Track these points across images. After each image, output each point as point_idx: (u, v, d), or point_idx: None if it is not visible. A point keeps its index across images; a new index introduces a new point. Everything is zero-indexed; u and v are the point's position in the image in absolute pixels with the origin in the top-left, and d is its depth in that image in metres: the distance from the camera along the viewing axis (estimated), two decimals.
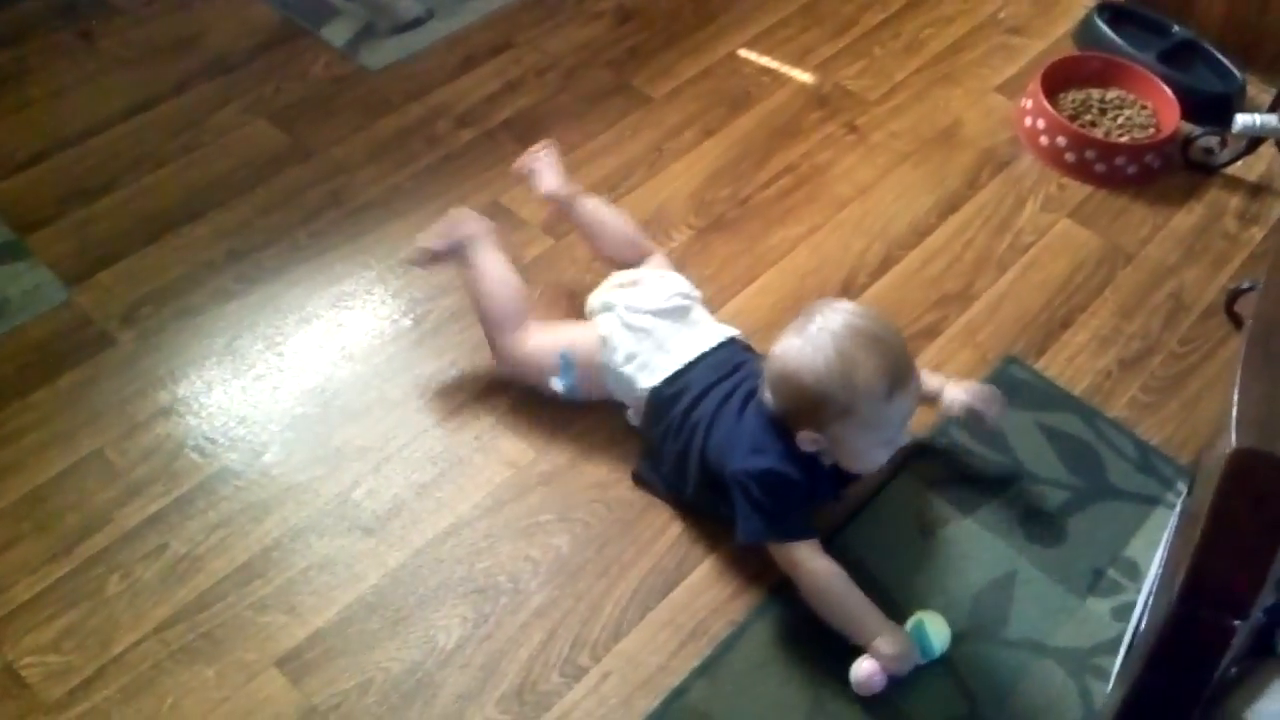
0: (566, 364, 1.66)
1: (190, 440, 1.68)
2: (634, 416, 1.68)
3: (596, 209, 1.84)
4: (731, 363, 1.62)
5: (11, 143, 2.09)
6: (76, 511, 1.59)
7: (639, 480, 1.66)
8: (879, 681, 1.44)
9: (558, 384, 1.67)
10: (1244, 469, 0.82)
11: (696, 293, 1.73)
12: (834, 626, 1.48)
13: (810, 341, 1.45)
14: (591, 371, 1.66)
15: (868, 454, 1.52)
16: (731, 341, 1.67)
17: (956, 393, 1.64)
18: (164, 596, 1.51)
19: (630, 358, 1.63)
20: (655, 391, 1.61)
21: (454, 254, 1.74)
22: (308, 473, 1.65)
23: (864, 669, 1.44)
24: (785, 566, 1.50)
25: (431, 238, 1.75)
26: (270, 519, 1.59)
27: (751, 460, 1.49)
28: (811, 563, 1.48)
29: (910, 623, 1.49)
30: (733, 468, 1.50)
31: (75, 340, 1.79)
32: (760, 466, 1.49)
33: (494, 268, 1.73)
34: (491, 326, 1.72)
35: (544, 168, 1.86)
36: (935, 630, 1.48)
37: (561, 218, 1.88)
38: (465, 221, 1.75)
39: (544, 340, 1.69)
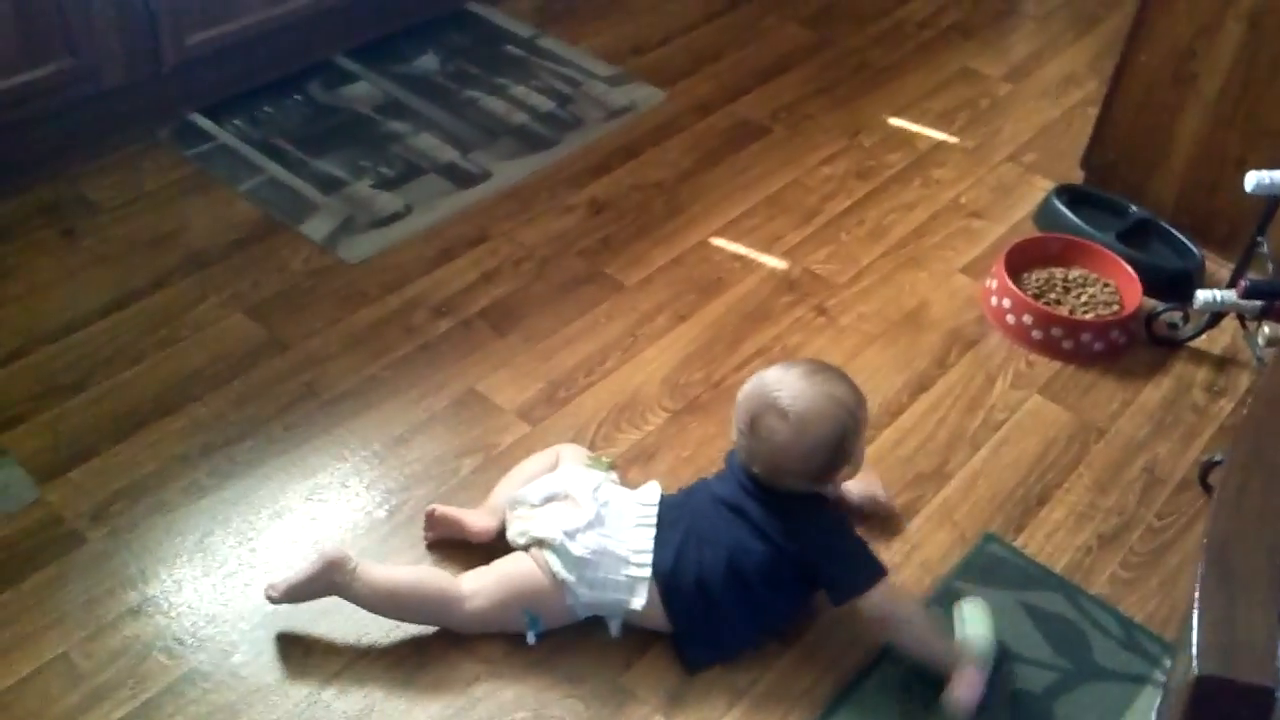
0: (533, 619, 1.63)
1: (159, 641, 1.64)
2: (617, 629, 1.65)
3: (512, 481, 1.78)
4: (683, 504, 1.68)
5: None
6: (38, 719, 1.54)
7: (699, 669, 1.62)
8: (979, 692, 1.55)
9: (531, 637, 1.64)
10: (1207, 696, 0.82)
11: (600, 474, 1.74)
12: (923, 657, 1.59)
13: (797, 417, 1.57)
14: (559, 611, 1.63)
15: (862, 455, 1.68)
16: (663, 496, 1.71)
17: (850, 486, 1.79)
18: None
19: (597, 586, 1.61)
20: (663, 578, 1.60)
21: (326, 592, 1.62)
22: (277, 672, 1.61)
23: (965, 686, 1.55)
24: (883, 609, 1.59)
25: (293, 579, 1.61)
26: None
27: (819, 521, 1.61)
28: (902, 594, 1.63)
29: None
30: (808, 539, 1.59)
31: (44, 539, 1.76)
32: (832, 519, 1.64)
33: (395, 576, 1.64)
34: (438, 619, 1.64)
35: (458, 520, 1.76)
36: (977, 630, 1.60)
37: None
38: (325, 561, 1.60)
39: (496, 600, 1.62)
